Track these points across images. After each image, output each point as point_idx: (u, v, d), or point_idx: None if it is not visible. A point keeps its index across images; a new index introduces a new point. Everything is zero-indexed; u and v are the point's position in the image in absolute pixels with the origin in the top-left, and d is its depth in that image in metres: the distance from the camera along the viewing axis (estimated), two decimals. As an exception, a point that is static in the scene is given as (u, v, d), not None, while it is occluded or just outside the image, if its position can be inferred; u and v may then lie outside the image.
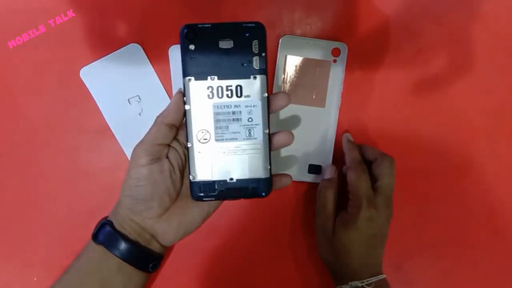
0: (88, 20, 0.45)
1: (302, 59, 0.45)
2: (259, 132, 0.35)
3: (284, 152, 0.46)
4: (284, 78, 0.45)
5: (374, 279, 0.40)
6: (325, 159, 0.45)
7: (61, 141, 0.45)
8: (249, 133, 0.35)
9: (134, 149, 0.36)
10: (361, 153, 0.44)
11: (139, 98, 0.45)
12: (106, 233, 0.37)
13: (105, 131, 0.45)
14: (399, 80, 0.46)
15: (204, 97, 0.34)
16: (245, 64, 0.34)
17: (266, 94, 0.35)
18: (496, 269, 0.48)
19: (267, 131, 0.35)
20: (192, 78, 0.34)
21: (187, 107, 0.35)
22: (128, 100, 0.45)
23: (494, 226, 0.48)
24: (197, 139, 0.35)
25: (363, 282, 0.39)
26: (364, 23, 0.46)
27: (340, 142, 0.46)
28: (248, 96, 0.34)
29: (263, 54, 0.34)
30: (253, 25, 0.34)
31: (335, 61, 0.45)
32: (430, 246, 0.47)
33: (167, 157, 0.36)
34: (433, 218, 0.47)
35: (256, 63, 0.34)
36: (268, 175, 0.35)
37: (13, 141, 0.45)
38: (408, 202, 0.46)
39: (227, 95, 0.34)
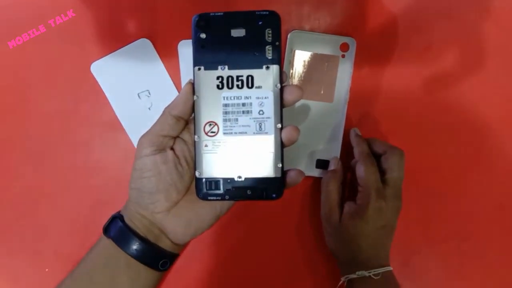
0: (99, 16, 0.45)
1: (311, 54, 0.45)
2: (270, 126, 0.33)
3: (291, 146, 0.46)
4: (292, 73, 0.45)
5: (381, 270, 0.40)
6: (333, 154, 0.46)
7: (72, 135, 0.46)
8: (260, 127, 0.33)
9: (140, 139, 0.35)
10: (370, 147, 0.44)
11: (149, 92, 0.46)
12: (116, 228, 0.37)
13: (115, 125, 0.46)
14: (408, 76, 0.46)
15: (214, 87, 0.33)
16: (257, 54, 0.33)
17: (279, 86, 0.33)
18: (505, 265, 0.48)
19: (279, 125, 0.33)
20: (202, 67, 0.33)
21: (195, 97, 0.33)
22: (138, 94, 0.46)
23: (504, 222, 0.48)
24: (205, 131, 0.33)
25: (370, 272, 0.40)
26: (373, 18, 0.46)
27: (348, 137, 0.46)
28: (259, 87, 0.33)
29: (277, 43, 0.33)
30: (267, 13, 0.33)
31: (343, 56, 0.45)
32: (438, 242, 0.47)
33: (172, 148, 0.35)
34: (441, 213, 0.47)
35: (268, 52, 0.33)
36: (279, 175, 0.33)
37: (24, 135, 0.46)
38: (417, 197, 0.46)
39: (238, 86, 0.33)
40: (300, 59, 0.45)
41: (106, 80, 0.45)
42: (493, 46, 0.46)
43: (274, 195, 0.33)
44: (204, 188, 0.34)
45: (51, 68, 0.46)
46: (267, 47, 0.33)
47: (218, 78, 0.33)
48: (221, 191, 0.33)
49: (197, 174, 0.34)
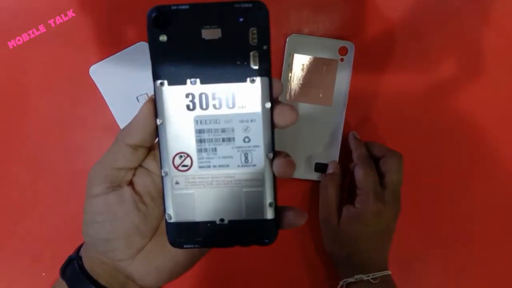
0: (98, 19, 0.45)
1: (309, 58, 0.45)
2: (259, 157, 0.26)
3: (290, 150, 0.46)
4: (291, 77, 0.45)
5: (379, 274, 0.40)
6: (332, 158, 0.45)
7: (70, 138, 0.46)
8: (246, 158, 0.26)
9: (90, 172, 0.28)
10: (369, 150, 0.44)
11: (147, 96, 0.46)
12: (72, 272, 0.30)
13: (114, 128, 0.46)
14: (406, 80, 0.46)
15: (182, 108, 0.25)
16: (238, 62, 0.25)
17: (269, 104, 0.25)
18: (506, 269, 0.48)
19: (271, 155, 0.26)
20: (165, 81, 0.25)
21: (158, 121, 0.26)
22: (137, 98, 0.46)
23: (504, 226, 0.48)
24: (174, 165, 0.26)
25: (368, 276, 0.40)
26: (372, 22, 0.46)
27: (346, 141, 0.46)
28: (243, 106, 0.25)
29: (265, 47, 0.25)
30: (250, 5, 0.24)
31: (342, 60, 0.45)
32: (438, 246, 0.47)
33: (131, 182, 0.28)
34: (442, 217, 0.47)
35: (254, 60, 0.25)
36: (272, 216, 0.26)
37: (22, 138, 0.46)
38: (417, 201, 0.46)
39: (214, 106, 0.25)
40: (299, 62, 0.45)
41: (105, 83, 0.45)
42: (491, 52, 0.47)
43: (266, 240, 0.26)
44: (177, 235, 0.27)
45: (50, 70, 0.46)
46: (252, 53, 0.25)
47: (187, 95, 0.25)
48: (199, 238, 0.26)
49: (167, 217, 0.26)
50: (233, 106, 0.25)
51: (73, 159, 0.46)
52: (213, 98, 0.25)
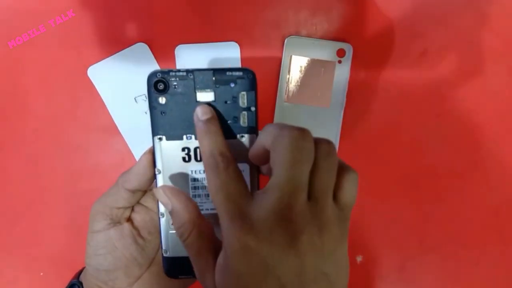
0: (96, 19, 0.45)
1: (307, 60, 0.45)
2: None
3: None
4: (289, 78, 0.45)
5: None
6: (329, 159, 0.46)
7: (68, 139, 0.46)
8: None
9: (92, 208, 0.31)
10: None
11: (146, 97, 0.45)
12: None
13: (112, 129, 0.46)
14: (404, 81, 0.47)
15: (179, 160, 0.29)
16: (230, 121, 0.28)
17: None
18: (499, 270, 0.48)
19: None
20: (163, 137, 0.28)
21: (157, 171, 0.29)
22: (135, 98, 0.46)
23: (498, 228, 0.48)
24: None
25: None
26: (370, 24, 0.46)
27: (345, 143, 0.46)
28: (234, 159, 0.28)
29: (253, 109, 0.28)
30: (240, 73, 0.27)
31: (340, 61, 0.45)
32: (433, 247, 0.48)
33: (130, 219, 0.31)
34: (436, 219, 0.47)
35: (243, 119, 0.28)
36: None
37: (20, 139, 0.46)
38: (412, 202, 0.47)
39: None
40: (297, 64, 0.45)
41: (103, 84, 0.45)
42: (488, 52, 0.47)
43: None
44: (173, 267, 0.30)
45: (49, 70, 0.46)
46: (241, 113, 0.28)
47: (183, 149, 0.28)
48: (191, 269, 0.28)
49: (163, 252, 0.30)
50: None
51: (71, 159, 0.46)
52: None
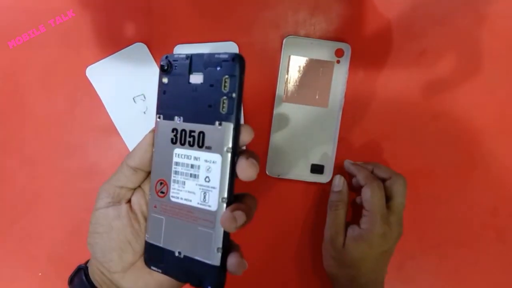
0: (94, 20, 0.46)
1: (306, 60, 0.45)
2: (214, 199, 0.27)
3: (286, 151, 0.46)
4: (287, 78, 0.45)
5: None
6: (328, 159, 0.46)
7: (67, 138, 0.46)
8: (204, 197, 0.27)
9: (99, 188, 0.32)
10: (373, 171, 0.44)
11: (144, 96, 0.46)
12: (79, 281, 0.33)
13: (110, 129, 0.46)
14: (403, 81, 0.47)
15: (168, 141, 0.29)
16: (211, 106, 0.27)
17: (230, 150, 0.26)
18: (498, 269, 0.48)
19: (225, 198, 0.26)
20: (161, 116, 0.29)
21: (153, 149, 0.29)
22: (133, 98, 0.46)
23: (497, 227, 0.48)
24: (156, 190, 0.29)
25: None
26: (368, 24, 0.46)
27: (344, 144, 0.46)
28: (209, 148, 0.27)
29: (233, 95, 0.26)
30: (226, 56, 0.26)
31: (338, 61, 0.45)
32: (433, 246, 0.48)
33: (129, 201, 0.31)
34: (436, 218, 0.47)
35: (223, 105, 0.26)
36: (218, 263, 0.26)
37: (19, 138, 0.46)
38: (411, 202, 0.46)
39: (189, 143, 0.28)
40: (296, 64, 0.45)
41: (102, 84, 0.45)
42: (487, 52, 0.47)
43: (209, 287, 0.27)
44: (148, 254, 0.29)
45: (47, 71, 0.46)
46: (222, 98, 0.26)
47: (173, 130, 0.28)
48: (162, 263, 0.29)
49: (146, 236, 0.30)
50: (202, 146, 0.27)
51: (69, 159, 0.46)
52: (189, 136, 0.28)
